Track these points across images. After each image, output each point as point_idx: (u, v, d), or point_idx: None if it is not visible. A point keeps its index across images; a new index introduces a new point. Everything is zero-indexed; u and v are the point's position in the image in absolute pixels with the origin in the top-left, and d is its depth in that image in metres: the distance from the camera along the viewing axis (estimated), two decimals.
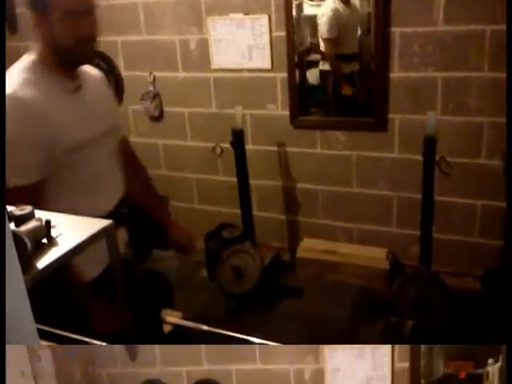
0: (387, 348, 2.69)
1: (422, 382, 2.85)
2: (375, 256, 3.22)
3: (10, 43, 3.87)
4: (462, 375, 2.77)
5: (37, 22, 1.59)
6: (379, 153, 3.16)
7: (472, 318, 2.64)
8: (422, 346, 2.79)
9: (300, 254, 3.38)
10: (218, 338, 2.80)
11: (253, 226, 3.30)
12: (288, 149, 3.36)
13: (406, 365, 2.79)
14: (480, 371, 2.43)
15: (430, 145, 2.60)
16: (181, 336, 2.87)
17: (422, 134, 2.67)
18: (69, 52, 1.62)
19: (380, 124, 3.09)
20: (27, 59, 1.64)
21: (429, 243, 2.82)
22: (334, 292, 3.19)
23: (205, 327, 2.84)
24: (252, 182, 3.42)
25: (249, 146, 3.38)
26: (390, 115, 3.06)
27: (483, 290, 2.89)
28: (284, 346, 2.71)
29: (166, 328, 2.84)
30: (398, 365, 2.86)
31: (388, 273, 3.14)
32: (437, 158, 2.71)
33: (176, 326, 2.86)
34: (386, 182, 3.18)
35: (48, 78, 1.64)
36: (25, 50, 1.61)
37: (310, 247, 3.40)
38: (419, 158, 2.71)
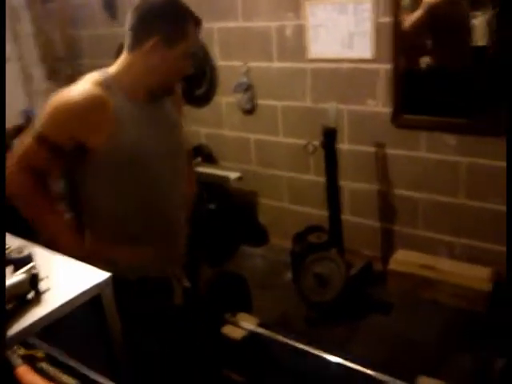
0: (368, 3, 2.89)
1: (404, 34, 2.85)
2: (478, 276, 2.99)
3: (111, 29, 3.94)
4: None
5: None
6: (493, 161, 2.90)
7: None
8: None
9: (393, 265, 3.20)
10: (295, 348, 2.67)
11: (341, 230, 3.17)
12: (388, 150, 3.16)
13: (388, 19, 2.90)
14: None
15: None
16: (254, 342, 2.75)
17: None
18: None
19: (497, 127, 2.80)
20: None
21: None
22: (427, 311, 3.04)
23: (279, 337, 2.71)
24: (345, 183, 3.29)
25: (344, 145, 3.19)
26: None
27: None
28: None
29: (240, 333, 2.74)
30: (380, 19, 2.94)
31: (491, 297, 2.90)
32: None
33: (250, 332, 2.76)
34: (499, 195, 2.90)
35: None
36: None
37: (404, 259, 3.22)
38: None
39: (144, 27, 1.65)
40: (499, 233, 2.96)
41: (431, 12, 2.89)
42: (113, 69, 1.71)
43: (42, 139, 1.61)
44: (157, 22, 1.63)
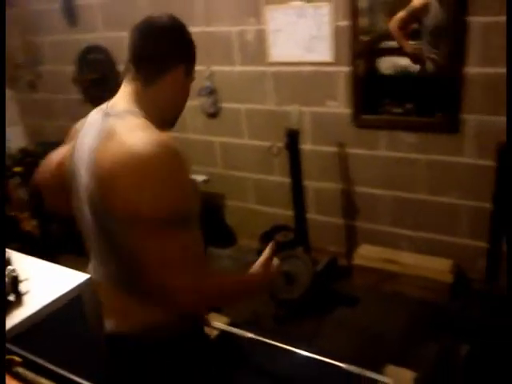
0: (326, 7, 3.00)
1: (362, 37, 3.03)
2: (439, 268, 3.11)
3: (72, 35, 3.91)
4: None
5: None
6: (450, 157, 3.03)
7: None
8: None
9: (357, 260, 3.30)
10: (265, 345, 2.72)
11: (306, 229, 3.25)
12: (349, 150, 3.25)
13: (347, 23, 3.01)
14: None
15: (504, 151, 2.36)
16: (226, 341, 2.80)
17: (497, 137, 2.54)
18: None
19: (451, 125, 2.95)
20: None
21: (497, 257, 2.68)
22: (391, 304, 3.14)
23: (249, 334, 2.76)
24: (309, 183, 3.36)
25: (307, 146, 3.27)
26: (463, 115, 2.90)
27: None
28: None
29: (212, 332, 2.78)
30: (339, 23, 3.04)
31: (452, 287, 3.00)
32: None
33: (222, 331, 2.80)
34: (456, 189, 3.05)
35: None
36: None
37: (367, 254, 3.32)
38: (493, 164, 2.59)
39: (165, 56, 1.43)
40: (458, 226, 3.10)
41: (413, 14, 2.98)
42: (135, 106, 1.38)
43: (167, 224, 1.22)
44: (178, 50, 1.46)
